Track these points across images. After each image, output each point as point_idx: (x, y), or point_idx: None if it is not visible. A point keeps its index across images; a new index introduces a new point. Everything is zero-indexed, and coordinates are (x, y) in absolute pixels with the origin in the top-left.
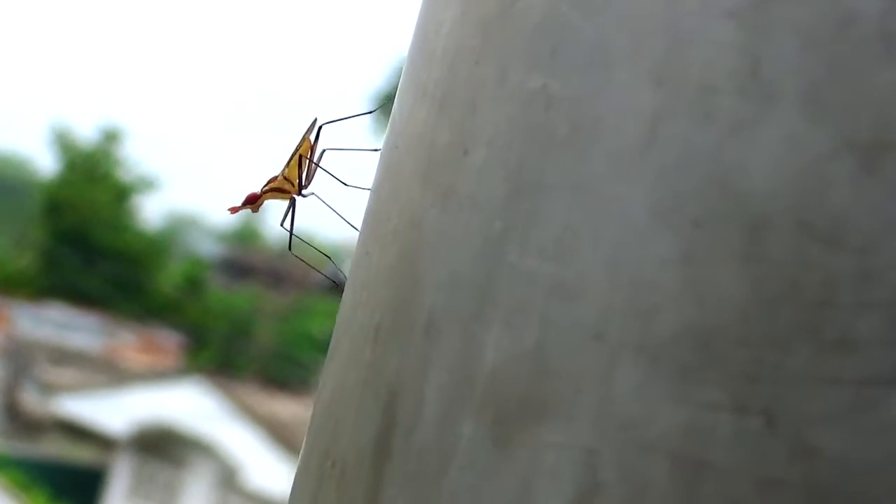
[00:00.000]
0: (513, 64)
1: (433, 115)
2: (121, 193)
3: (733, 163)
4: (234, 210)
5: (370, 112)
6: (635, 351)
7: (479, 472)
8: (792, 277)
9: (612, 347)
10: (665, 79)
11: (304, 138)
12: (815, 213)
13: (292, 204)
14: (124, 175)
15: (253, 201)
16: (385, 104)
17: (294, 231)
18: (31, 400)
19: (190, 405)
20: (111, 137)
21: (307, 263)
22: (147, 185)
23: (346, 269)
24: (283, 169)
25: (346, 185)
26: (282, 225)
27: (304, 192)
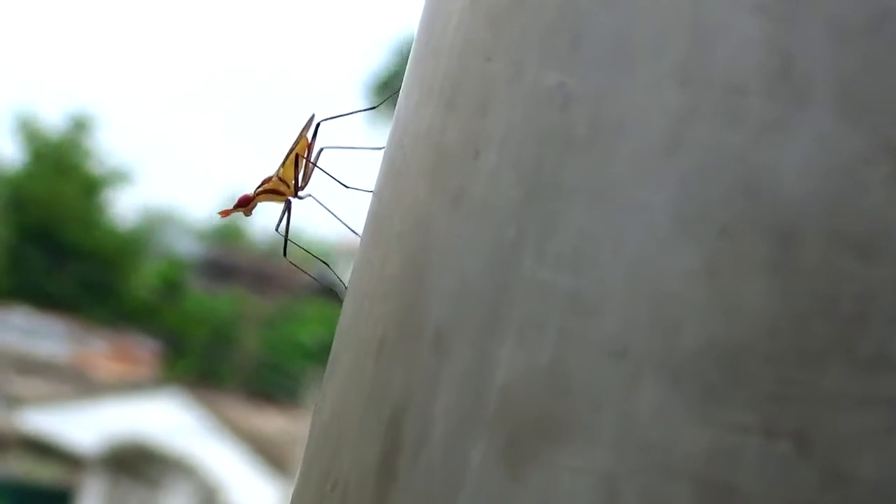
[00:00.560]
0: (527, 60)
1: (441, 113)
2: (91, 187)
3: (762, 167)
4: (224, 213)
5: (373, 108)
6: (657, 368)
7: (490, 498)
8: (824, 290)
9: (632, 364)
10: (690, 77)
11: (301, 136)
12: (849, 221)
13: (288, 206)
14: (95, 167)
15: (245, 204)
16: (388, 99)
17: (289, 234)
18: None
19: (167, 419)
20: (81, 126)
21: (304, 271)
22: (120, 177)
23: (342, 272)
24: (279, 169)
25: (346, 186)
26: (276, 229)
27: (300, 193)
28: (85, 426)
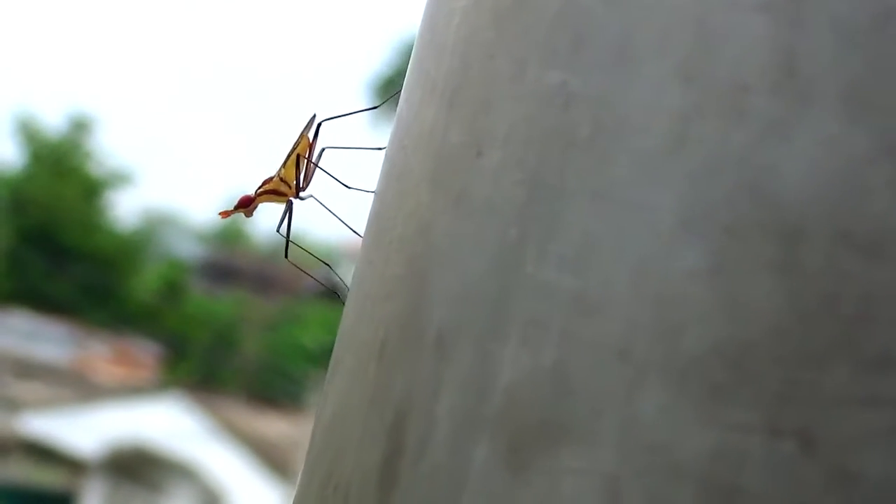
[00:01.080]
0: (530, 58)
1: (443, 112)
2: (91, 189)
3: (767, 167)
4: (225, 214)
5: (374, 108)
6: (662, 369)
7: (492, 500)
8: (829, 290)
9: (636, 366)
10: (694, 76)
11: (303, 136)
12: (854, 221)
13: (289, 207)
14: (95, 168)
15: (246, 204)
16: (390, 98)
17: (290, 235)
18: None
19: (168, 423)
20: (80, 127)
21: (306, 273)
22: (120, 179)
23: (345, 273)
24: (280, 169)
25: (347, 187)
26: (278, 230)
27: (301, 194)
28: (86, 430)
